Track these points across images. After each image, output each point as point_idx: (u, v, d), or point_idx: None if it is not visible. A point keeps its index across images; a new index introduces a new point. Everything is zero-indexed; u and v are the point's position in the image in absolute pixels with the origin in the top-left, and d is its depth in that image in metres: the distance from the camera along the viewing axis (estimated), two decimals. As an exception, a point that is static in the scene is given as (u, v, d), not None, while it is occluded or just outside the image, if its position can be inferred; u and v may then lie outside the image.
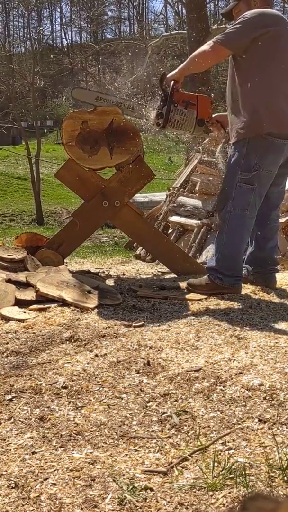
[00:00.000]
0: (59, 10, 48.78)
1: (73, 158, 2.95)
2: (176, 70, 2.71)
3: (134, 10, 44.12)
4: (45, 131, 29.94)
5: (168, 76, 2.71)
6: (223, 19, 2.85)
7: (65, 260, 3.27)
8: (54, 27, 47.63)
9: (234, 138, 2.63)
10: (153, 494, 1.08)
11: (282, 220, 3.97)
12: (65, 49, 42.96)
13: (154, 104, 2.78)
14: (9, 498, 1.08)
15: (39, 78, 20.13)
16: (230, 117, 2.69)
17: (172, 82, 2.67)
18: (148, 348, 1.89)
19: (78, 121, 2.90)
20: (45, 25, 43.99)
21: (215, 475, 1.12)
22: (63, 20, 45.82)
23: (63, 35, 61.82)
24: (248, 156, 2.55)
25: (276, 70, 2.54)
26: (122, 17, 45.89)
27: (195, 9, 10.34)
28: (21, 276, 2.69)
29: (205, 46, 2.62)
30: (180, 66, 2.72)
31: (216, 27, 9.85)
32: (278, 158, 2.59)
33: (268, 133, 2.51)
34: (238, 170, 2.58)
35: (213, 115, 2.92)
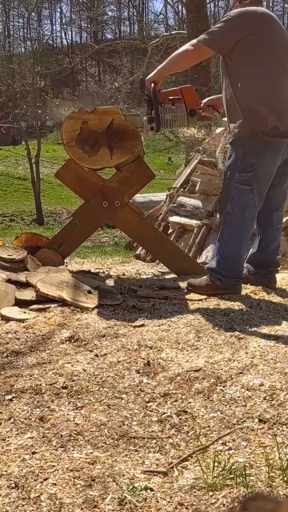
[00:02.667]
0: (59, 10, 48.77)
1: (73, 158, 2.95)
2: (155, 71, 2.70)
3: (134, 10, 44.16)
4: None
5: (147, 78, 2.71)
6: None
7: (65, 260, 3.27)
8: (54, 27, 47.62)
9: (231, 138, 2.63)
10: (153, 494, 1.08)
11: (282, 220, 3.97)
12: (65, 49, 42.97)
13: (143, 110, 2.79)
14: (9, 498, 1.08)
15: (39, 78, 20.12)
16: (227, 114, 2.69)
17: (152, 84, 2.67)
18: (148, 348, 1.89)
19: (78, 121, 2.90)
20: (45, 25, 44.03)
21: (215, 475, 1.12)
22: (63, 20, 45.86)
23: (63, 35, 61.89)
24: (245, 157, 2.54)
25: (266, 67, 2.51)
26: (122, 17, 45.92)
27: (195, 9, 10.35)
28: (21, 276, 2.69)
29: (187, 46, 2.60)
30: (159, 67, 2.71)
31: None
32: (276, 157, 2.57)
33: (264, 132, 2.50)
34: (235, 171, 2.57)
35: (203, 101, 2.91)
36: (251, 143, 2.52)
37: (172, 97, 2.73)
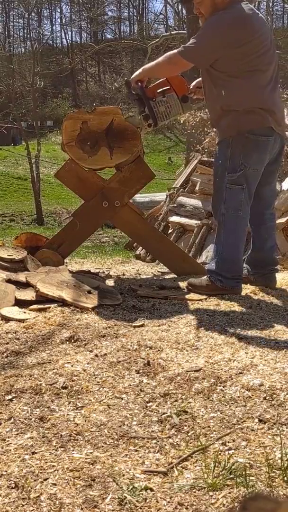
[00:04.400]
0: (59, 10, 48.84)
1: (73, 158, 2.95)
2: (140, 70, 2.72)
3: (134, 10, 44.18)
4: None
5: (131, 78, 2.73)
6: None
7: (65, 260, 3.27)
8: (54, 27, 47.68)
9: (218, 138, 2.64)
10: (153, 494, 1.08)
11: (282, 220, 3.97)
12: (65, 49, 42.96)
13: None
14: (9, 498, 1.08)
15: (39, 78, 20.14)
16: (211, 117, 2.70)
17: (138, 83, 2.69)
18: (148, 348, 1.89)
19: (78, 121, 2.90)
20: (45, 25, 44.06)
21: (215, 475, 1.12)
22: (63, 20, 45.86)
23: (63, 35, 61.95)
24: (233, 157, 2.55)
25: (250, 71, 2.50)
26: (122, 17, 45.93)
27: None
28: (21, 276, 2.69)
29: (170, 56, 2.60)
30: (145, 67, 2.72)
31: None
32: (263, 155, 2.58)
33: (249, 131, 2.51)
34: (225, 172, 2.58)
35: (192, 84, 2.91)
36: (238, 143, 2.53)
37: (161, 89, 2.74)
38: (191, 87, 2.88)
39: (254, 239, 2.86)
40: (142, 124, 2.80)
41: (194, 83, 2.92)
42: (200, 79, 2.91)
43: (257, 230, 2.83)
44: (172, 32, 14.80)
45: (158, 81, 2.81)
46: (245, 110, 2.50)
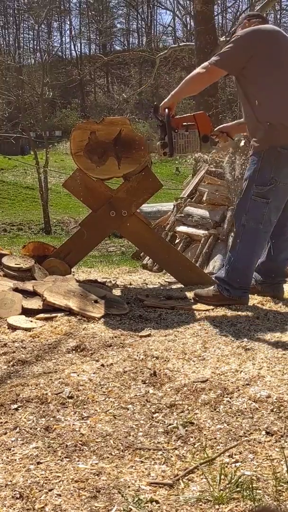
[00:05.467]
0: (68, 22, 49.41)
1: (81, 168, 2.97)
2: (169, 96, 2.74)
3: (143, 22, 44.64)
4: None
5: (161, 104, 2.76)
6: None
7: (72, 270, 3.28)
8: (63, 39, 48.22)
9: (251, 151, 2.65)
10: (159, 506, 1.07)
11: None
12: (74, 60, 43.45)
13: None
14: (14, 509, 1.07)
15: (48, 89, 20.34)
16: (248, 130, 2.72)
17: (166, 110, 2.71)
18: (155, 358, 1.88)
19: (87, 132, 2.92)
20: (54, 37, 44.62)
21: (221, 488, 1.11)
22: (73, 32, 46.43)
23: (72, 46, 62.50)
24: (263, 170, 2.55)
25: (280, 83, 2.54)
26: (131, 29, 46.43)
27: (203, 22, 10.42)
28: (28, 285, 2.69)
29: (199, 69, 2.64)
30: (173, 92, 2.74)
31: (224, 39, 9.93)
32: None
33: (282, 146, 2.52)
34: (253, 184, 2.58)
35: (218, 127, 2.94)
36: (270, 157, 2.53)
37: (185, 123, 2.77)
38: (217, 129, 2.91)
39: (270, 249, 2.85)
40: (158, 150, 2.84)
41: (219, 127, 2.95)
42: (227, 124, 2.95)
43: (276, 240, 2.82)
44: (180, 44, 14.89)
45: (185, 115, 2.85)
46: (279, 124, 2.51)
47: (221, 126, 2.98)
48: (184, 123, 2.77)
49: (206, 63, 2.62)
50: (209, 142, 2.82)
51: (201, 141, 2.79)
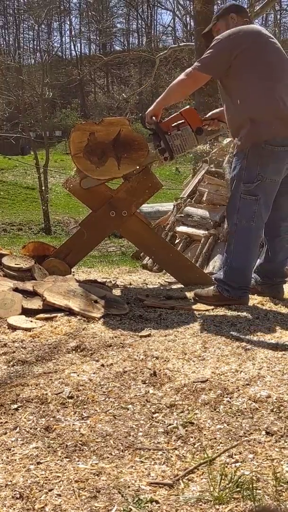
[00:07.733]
0: (68, 22, 49.44)
1: (81, 169, 2.97)
2: (154, 104, 2.76)
3: (143, 22, 44.66)
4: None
5: (146, 113, 2.78)
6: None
7: (72, 270, 3.28)
8: (63, 39, 48.28)
9: (235, 150, 2.64)
10: (159, 506, 1.07)
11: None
12: (74, 60, 43.45)
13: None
14: (14, 509, 1.07)
15: (48, 89, 20.35)
16: (230, 131, 2.72)
17: (153, 117, 2.74)
18: (155, 358, 1.88)
19: (86, 133, 2.92)
20: (54, 37, 44.64)
21: (221, 488, 1.11)
22: (73, 32, 46.45)
23: (72, 47, 62.59)
24: (249, 167, 2.55)
25: (262, 79, 2.53)
26: (131, 29, 46.45)
27: (203, 22, 10.42)
28: (28, 285, 2.70)
29: (183, 76, 2.64)
30: (158, 99, 2.76)
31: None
32: (280, 166, 2.58)
33: (266, 141, 2.51)
34: (240, 182, 2.58)
35: (206, 116, 2.96)
36: (254, 153, 2.53)
37: (175, 123, 2.79)
38: (206, 118, 2.92)
39: (267, 250, 2.85)
40: (158, 157, 2.86)
41: (208, 114, 2.96)
42: (215, 111, 2.95)
43: (271, 241, 2.82)
44: (180, 44, 14.88)
45: (172, 116, 2.86)
46: (261, 120, 2.50)
47: (210, 113, 2.98)
48: (174, 124, 2.79)
49: (189, 69, 2.63)
50: (203, 134, 2.84)
51: (196, 135, 2.80)
